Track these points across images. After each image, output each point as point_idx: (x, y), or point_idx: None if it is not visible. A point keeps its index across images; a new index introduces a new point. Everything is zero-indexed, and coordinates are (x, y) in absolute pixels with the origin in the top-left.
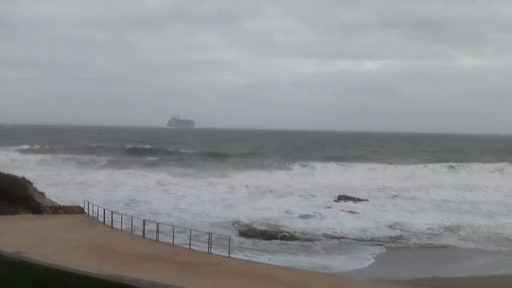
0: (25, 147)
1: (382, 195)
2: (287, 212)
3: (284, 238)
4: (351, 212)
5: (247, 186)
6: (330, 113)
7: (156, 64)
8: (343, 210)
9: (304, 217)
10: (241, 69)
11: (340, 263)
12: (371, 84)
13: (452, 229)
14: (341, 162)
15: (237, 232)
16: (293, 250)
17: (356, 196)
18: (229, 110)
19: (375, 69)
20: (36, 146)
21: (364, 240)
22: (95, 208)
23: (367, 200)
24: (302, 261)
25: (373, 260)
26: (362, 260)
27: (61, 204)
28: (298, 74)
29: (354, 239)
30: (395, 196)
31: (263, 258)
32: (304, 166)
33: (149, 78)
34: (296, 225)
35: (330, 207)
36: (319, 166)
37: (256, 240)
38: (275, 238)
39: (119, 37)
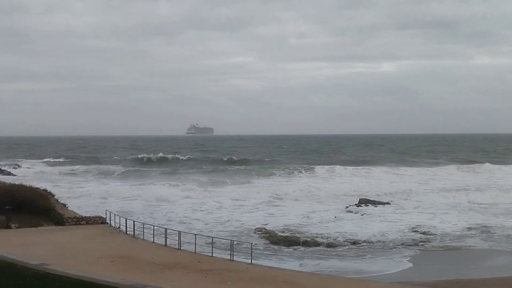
0: (47, 159)
1: (403, 198)
2: (307, 217)
3: (306, 243)
4: (373, 215)
5: (267, 192)
6: (347, 115)
7: (171, 71)
8: (364, 214)
9: (325, 222)
10: (256, 74)
11: (370, 267)
12: (388, 85)
13: (477, 231)
14: (361, 166)
15: (259, 238)
16: (318, 255)
17: (377, 200)
18: (246, 116)
19: (391, 70)
20: (60, 159)
21: (387, 244)
22: (117, 218)
23: (388, 203)
24: (333, 266)
25: (397, 263)
26: (387, 264)
27: (83, 215)
28: (314, 77)
29: (376, 243)
30: (417, 199)
31: (290, 264)
32: (323, 170)
33: (165, 85)
34: (317, 230)
35: (351, 211)
36: (339, 170)
37: (278, 247)
38: (297, 244)
39: (134, 45)
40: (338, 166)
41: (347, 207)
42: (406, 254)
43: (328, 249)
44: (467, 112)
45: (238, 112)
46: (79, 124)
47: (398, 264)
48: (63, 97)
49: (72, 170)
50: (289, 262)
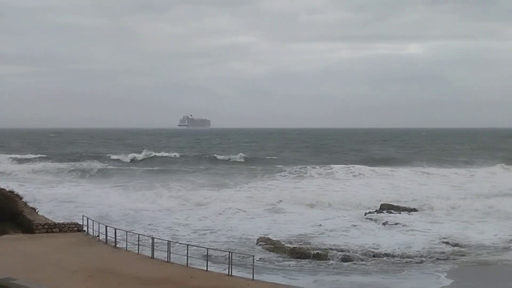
0: (15, 155)
1: (433, 204)
2: (319, 225)
3: (317, 256)
4: (397, 224)
5: (272, 196)
6: (366, 106)
7: (162, 53)
8: (387, 222)
9: (340, 231)
10: (260, 57)
11: (403, 284)
12: (415, 71)
13: None
14: (383, 165)
15: (262, 250)
16: (335, 269)
17: (402, 205)
18: (247, 106)
19: (419, 52)
20: (29, 155)
21: (412, 258)
22: (95, 225)
23: (415, 210)
24: (355, 282)
25: (435, 280)
26: (423, 281)
27: (56, 221)
28: (328, 61)
29: (402, 256)
30: (449, 205)
31: (301, 281)
32: (339, 170)
33: (155, 70)
34: (331, 241)
35: (370, 219)
36: (356, 170)
37: (285, 260)
38: (307, 256)
39: (118, 22)
40: (358, 166)
41: (367, 213)
42: (440, 269)
43: (345, 263)
44: (510, 103)
45: (239, 102)
46: (54, 115)
47: (437, 280)
48: (36, 83)
49: (44, 168)
50: (299, 277)
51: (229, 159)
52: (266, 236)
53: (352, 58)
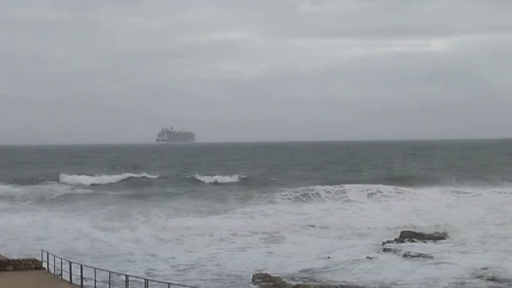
0: None
1: (465, 231)
2: (327, 258)
3: None
4: (421, 256)
5: (269, 223)
6: (383, 112)
7: (135, 53)
8: (408, 254)
9: (353, 263)
10: (254, 55)
11: None
12: (440, 70)
13: None
14: (406, 184)
15: None
16: None
17: (427, 233)
18: (240, 115)
19: (445, 49)
20: None
21: None
22: (57, 261)
23: (443, 238)
24: None
25: None
26: None
27: (9, 257)
28: (336, 60)
29: None
30: (485, 231)
31: None
32: (352, 190)
33: (126, 72)
34: (341, 277)
35: (389, 249)
36: (373, 190)
37: None
38: None
39: (82, 15)
40: (375, 185)
41: (384, 243)
42: None
43: None
44: None
45: (230, 110)
46: (2, 128)
47: None
48: None
49: None
50: None
51: (215, 182)
52: (263, 272)
53: (365, 56)
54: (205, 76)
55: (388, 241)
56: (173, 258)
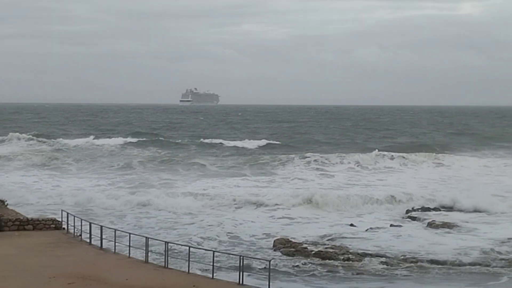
0: None
1: (497, 201)
2: (350, 225)
3: (349, 261)
4: (448, 225)
5: (291, 189)
6: (410, 77)
7: (158, 12)
8: (433, 223)
9: (376, 231)
10: (279, 17)
11: None
12: (471, 34)
13: None
14: (436, 152)
15: (279, 254)
16: (377, 276)
17: (455, 202)
18: (264, 78)
19: (476, 12)
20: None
21: (473, 266)
22: (77, 222)
23: (476, 211)
24: None
25: None
26: None
27: (29, 216)
28: (362, 22)
29: (456, 264)
30: None
31: None
32: (375, 157)
33: (149, 32)
34: (365, 244)
35: (415, 218)
36: (400, 158)
37: (308, 265)
38: (335, 260)
39: None
40: (402, 154)
41: (409, 211)
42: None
43: (388, 267)
44: None
45: (253, 72)
46: (20, 86)
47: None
48: (3, 45)
49: (10, 153)
50: (327, 287)
51: (243, 147)
52: (284, 238)
53: (392, 20)
54: (229, 37)
55: (413, 209)
56: (195, 221)
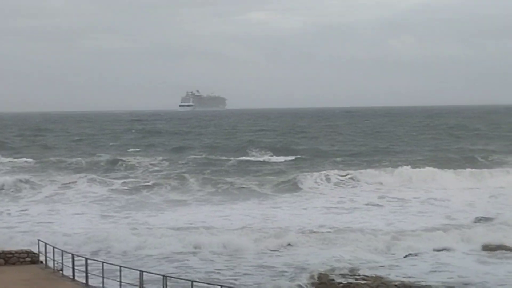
0: None
1: None
2: (385, 252)
3: None
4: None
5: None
6: (455, 72)
7: (147, 2)
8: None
9: (414, 258)
10: (292, 3)
11: None
12: None
13: None
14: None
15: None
16: None
17: None
18: (277, 77)
19: None
20: None
21: None
22: (57, 254)
23: None
24: None
25: None
26: None
27: (0, 248)
28: (394, 8)
29: None
30: None
31: None
32: (415, 167)
33: (139, 26)
34: (404, 272)
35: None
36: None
37: None
38: None
39: None
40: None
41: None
42: None
43: None
44: None
45: (264, 70)
46: None
47: None
48: None
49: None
50: None
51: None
52: (310, 266)
53: (431, 4)
54: (234, 30)
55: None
56: (200, 250)
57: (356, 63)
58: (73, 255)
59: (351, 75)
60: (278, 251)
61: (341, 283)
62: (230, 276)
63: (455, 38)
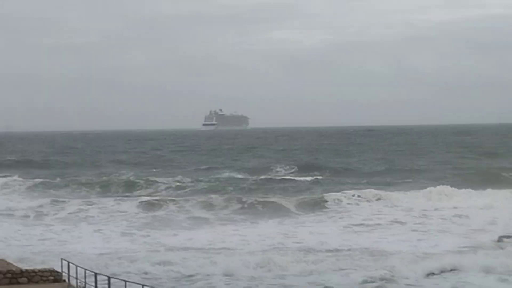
0: None
1: None
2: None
3: None
4: None
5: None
6: (479, 89)
7: (170, 19)
8: None
9: (435, 277)
10: (315, 20)
11: None
12: None
13: None
14: None
15: None
16: None
17: None
18: (300, 94)
19: None
20: None
21: None
22: (80, 272)
23: None
24: None
25: None
26: None
27: (23, 267)
28: (414, 25)
29: None
30: None
31: None
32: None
33: (159, 42)
34: None
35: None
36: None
37: None
38: None
39: None
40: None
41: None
42: None
43: None
44: None
45: (286, 87)
46: (14, 112)
47: None
48: None
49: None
50: None
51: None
52: None
53: (451, 21)
54: (256, 47)
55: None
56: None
57: (377, 78)
58: (95, 273)
59: (371, 90)
60: None
61: None
62: None
63: (471, 52)
